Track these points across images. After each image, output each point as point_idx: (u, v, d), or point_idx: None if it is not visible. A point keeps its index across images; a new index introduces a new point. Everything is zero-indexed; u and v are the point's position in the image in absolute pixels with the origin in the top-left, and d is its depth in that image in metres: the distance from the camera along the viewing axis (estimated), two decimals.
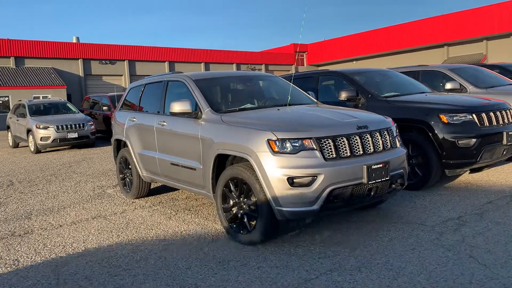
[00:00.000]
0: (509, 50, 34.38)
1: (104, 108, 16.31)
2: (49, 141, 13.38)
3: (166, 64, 40.98)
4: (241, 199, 4.21)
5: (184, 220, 5.13)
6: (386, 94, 6.59)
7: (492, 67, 10.47)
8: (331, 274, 3.40)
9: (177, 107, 4.75)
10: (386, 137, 4.29)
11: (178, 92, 5.43)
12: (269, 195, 3.82)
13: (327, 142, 3.87)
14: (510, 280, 3.14)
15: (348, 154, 3.94)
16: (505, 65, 10.93)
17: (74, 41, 38.65)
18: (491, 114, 5.78)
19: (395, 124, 4.63)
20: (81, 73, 36.78)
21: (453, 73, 8.13)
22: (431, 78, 8.44)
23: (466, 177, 6.45)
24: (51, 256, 4.17)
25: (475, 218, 4.57)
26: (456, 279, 3.20)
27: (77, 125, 13.82)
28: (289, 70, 47.87)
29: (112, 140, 6.92)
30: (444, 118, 5.61)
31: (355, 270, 3.46)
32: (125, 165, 6.49)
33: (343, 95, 6.48)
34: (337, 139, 3.92)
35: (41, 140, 13.33)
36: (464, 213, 4.75)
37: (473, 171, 6.08)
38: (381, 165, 4.02)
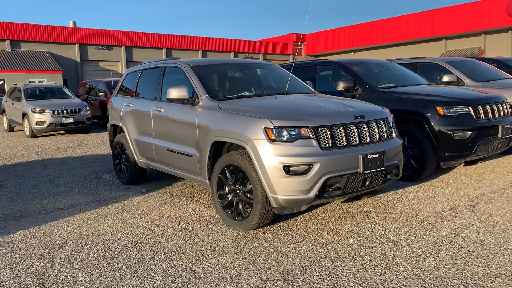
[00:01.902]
0: (507, 45, 34.41)
1: (100, 93, 16.22)
2: (44, 126, 13.32)
3: (164, 51, 40.70)
4: (237, 186, 4.23)
5: (179, 206, 5.15)
6: (384, 85, 6.60)
7: (489, 61, 10.49)
8: (325, 262, 3.44)
9: (174, 93, 4.73)
10: (382, 128, 4.30)
11: (176, 78, 5.41)
12: (264, 183, 3.83)
13: (323, 131, 3.89)
14: (500, 270, 3.18)
15: (345, 143, 3.96)
16: (502, 59, 10.95)
17: (71, 25, 38.27)
18: (487, 107, 5.81)
19: (392, 115, 4.64)
20: (77, 58, 36.48)
21: (450, 66, 8.15)
22: (429, 70, 8.46)
23: (461, 170, 6.50)
24: (46, 239, 4.19)
25: (468, 210, 4.61)
26: (448, 268, 3.24)
27: (73, 110, 13.76)
28: (287, 60, 47.72)
29: (108, 125, 6.90)
30: (440, 110, 5.63)
31: (349, 258, 3.50)
32: (121, 150, 6.48)
33: (341, 85, 6.48)
34: (333, 128, 3.93)
35: (36, 124, 13.26)
36: (457, 205, 4.79)
37: (467, 163, 6.12)
38: (376, 155, 4.04)
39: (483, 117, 5.72)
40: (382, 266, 3.32)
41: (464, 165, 6.56)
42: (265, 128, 3.85)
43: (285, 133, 3.82)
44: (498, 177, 6.00)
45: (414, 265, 3.31)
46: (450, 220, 4.29)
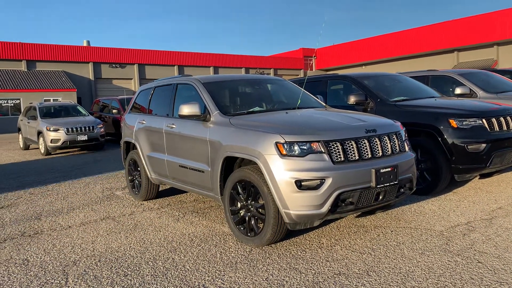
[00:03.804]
0: None
1: (114, 111, 16.44)
2: (59, 143, 13.51)
3: (176, 68, 41.24)
4: (249, 201, 4.22)
5: (192, 222, 5.15)
6: (395, 99, 6.57)
7: (503, 72, 10.40)
8: (339, 278, 3.40)
9: (186, 109, 4.78)
10: (394, 141, 4.28)
11: (187, 95, 5.47)
12: (276, 198, 3.82)
13: (335, 145, 3.87)
14: None
15: (357, 157, 3.94)
16: None
17: (85, 44, 39.06)
18: (501, 119, 5.74)
19: (404, 128, 4.62)
20: (91, 77, 37.14)
21: (463, 78, 8.09)
22: (441, 83, 8.41)
23: (476, 183, 6.40)
24: (60, 256, 4.21)
25: (484, 223, 4.53)
26: (464, 284, 3.18)
27: (87, 128, 13.95)
28: (298, 75, 47.90)
29: (122, 142, 6.97)
30: (453, 122, 5.58)
31: (363, 273, 3.45)
32: (134, 167, 6.53)
33: (352, 99, 6.47)
34: (345, 143, 3.92)
35: (51, 142, 13.46)
36: (473, 219, 4.71)
37: (482, 176, 6.04)
38: (389, 169, 4.01)
39: (497, 129, 5.65)
40: (397, 282, 3.27)
41: (479, 178, 6.47)
42: (276, 143, 3.86)
43: (296, 148, 3.81)
44: None
45: (430, 281, 3.25)
46: (466, 234, 4.22)
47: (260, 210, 4.09)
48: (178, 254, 4.10)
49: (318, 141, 3.83)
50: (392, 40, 42.09)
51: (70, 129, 13.63)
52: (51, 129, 13.53)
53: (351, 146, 3.94)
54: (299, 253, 3.95)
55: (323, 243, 4.18)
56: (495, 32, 34.76)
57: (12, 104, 31.34)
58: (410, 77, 8.04)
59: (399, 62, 42.57)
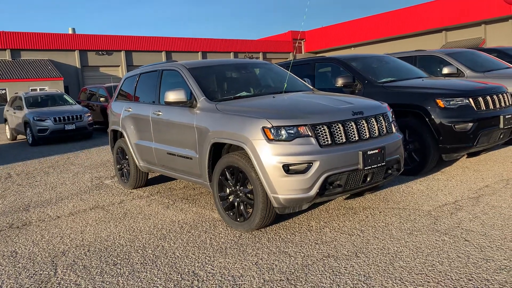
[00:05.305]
0: (508, 34, 34.23)
1: (101, 99, 16.23)
2: (46, 133, 13.35)
3: (163, 54, 40.75)
4: (238, 187, 4.21)
5: (181, 209, 5.14)
6: (383, 80, 6.56)
7: (489, 51, 10.42)
8: (328, 260, 3.42)
9: (172, 96, 4.72)
10: (381, 123, 4.27)
11: (173, 81, 5.40)
12: (265, 183, 3.82)
13: (322, 128, 3.86)
14: (505, 262, 3.15)
15: (344, 140, 3.93)
16: (503, 48, 10.88)
17: (70, 32, 38.37)
18: (488, 98, 5.76)
19: (391, 110, 4.61)
20: (78, 65, 36.59)
21: (450, 58, 8.10)
22: (428, 63, 8.41)
23: (463, 162, 6.46)
24: (49, 247, 4.19)
25: (471, 202, 4.58)
26: (452, 262, 3.21)
27: (75, 117, 13.78)
28: (287, 58, 47.65)
29: (109, 130, 6.90)
30: (440, 102, 5.59)
31: (352, 255, 3.48)
32: (122, 155, 6.48)
33: (340, 82, 6.44)
34: (332, 126, 3.91)
35: (38, 132, 13.29)
36: (460, 198, 4.76)
37: (470, 155, 6.09)
38: (376, 151, 4.01)
39: (484, 108, 5.67)
40: (386, 263, 3.30)
41: (466, 157, 6.52)
42: (263, 128, 3.83)
43: (283, 132, 3.80)
44: (501, 167, 5.95)
45: (417, 260, 3.29)
46: (453, 213, 4.26)
47: (249, 195, 4.09)
48: (168, 242, 4.10)
49: (305, 125, 3.82)
50: (381, 21, 41.91)
51: (57, 119, 13.45)
52: (38, 119, 13.35)
53: (338, 129, 3.93)
54: (289, 237, 3.97)
55: (312, 226, 4.20)
56: (482, 11, 34.72)
57: None
58: (398, 57, 8.03)
59: (388, 43, 42.47)
